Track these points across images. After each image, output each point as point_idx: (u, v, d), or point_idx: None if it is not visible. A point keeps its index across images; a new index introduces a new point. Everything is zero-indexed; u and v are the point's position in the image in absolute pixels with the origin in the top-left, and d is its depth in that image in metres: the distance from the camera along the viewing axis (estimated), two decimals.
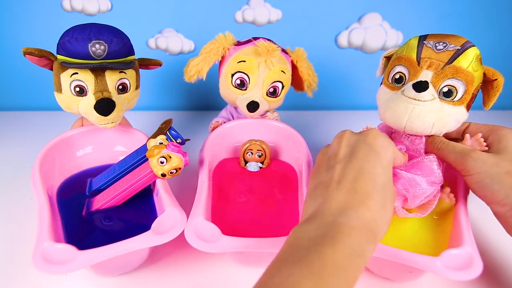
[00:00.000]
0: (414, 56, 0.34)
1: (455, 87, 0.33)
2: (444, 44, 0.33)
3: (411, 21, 0.69)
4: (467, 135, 0.35)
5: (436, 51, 0.33)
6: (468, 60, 0.32)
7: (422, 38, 0.35)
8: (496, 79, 0.33)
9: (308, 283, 0.18)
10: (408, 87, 0.33)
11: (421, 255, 0.28)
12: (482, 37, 0.71)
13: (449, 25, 0.70)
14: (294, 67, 0.48)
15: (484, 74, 0.33)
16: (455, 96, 0.33)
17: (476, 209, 0.33)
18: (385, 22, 0.69)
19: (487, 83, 0.34)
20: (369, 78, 0.73)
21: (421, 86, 0.32)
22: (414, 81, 0.33)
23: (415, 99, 0.33)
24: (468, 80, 0.32)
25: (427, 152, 0.35)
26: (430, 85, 0.33)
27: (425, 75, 0.33)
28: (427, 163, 0.33)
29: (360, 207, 0.23)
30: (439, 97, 0.33)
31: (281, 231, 0.33)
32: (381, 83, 0.38)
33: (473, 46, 0.33)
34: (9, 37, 0.67)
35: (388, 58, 0.39)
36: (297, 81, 0.50)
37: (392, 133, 0.37)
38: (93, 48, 0.37)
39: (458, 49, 0.32)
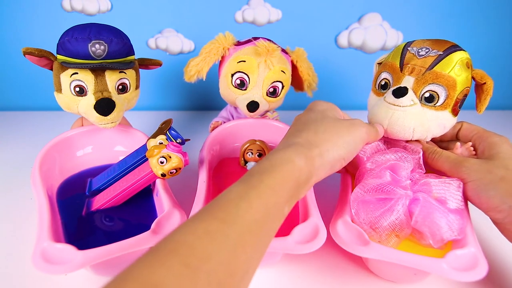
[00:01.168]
0: (397, 62, 0.35)
1: (436, 92, 0.33)
2: (427, 50, 0.34)
3: (411, 21, 0.69)
4: (458, 144, 0.35)
5: (418, 57, 0.34)
6: (450, 65, 0.32)
7: (408, 45, 0.35)
8: (485, 83, 0.33)
9: (239, 188, 0.23)
10: (389, 93, 0.34)
11: (427, 257, 0.28)
12: (482, 37, 0.71)
13: (449, 25, 0.70)
14: (294, 67, 0.48)
15: (473, 78, 0.34)
16: (437, 101, 0.33)
17: (475, 210, 0.32)
18: (385, 22, 0.69)
19: (477, 87, 0.35)
20: (369, 78, 0.73)
21: (399, 92, 0.33)
22: (395, 87, 0.34)
23: (394, 105, 0.33)
24: (449, 85, 0.32)
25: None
26: (410, 91, 0.33)
27: (407, 81, 0.34)
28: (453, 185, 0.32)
29: (292, 137, 0.29)
30: (420, 102, 0.33)
31: (280, 231, 0.33)
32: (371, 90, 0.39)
33: (459, 50, 0.33)
34: (9, 37, 0.67)
35: (380, 64, 0.39)
36: (297, 81, 0.50)
37: (385, 142, 0.37)
38: (93, 48, 0.37)
39: (440, 54, 0.33)
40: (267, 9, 0.67)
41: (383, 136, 0.36)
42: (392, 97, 0.34)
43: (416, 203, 0.30)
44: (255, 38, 0.45)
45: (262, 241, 0.22)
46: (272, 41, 0.46)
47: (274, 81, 0.45)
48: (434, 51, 0.33)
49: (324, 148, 0.27)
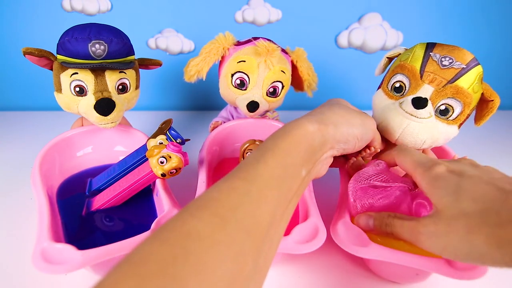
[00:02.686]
0: (418, 67, 0.33)
1: (452, 107, 0.33)
2: (450, 60, 0.32)
3: (411, 21, 0.69)
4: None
5: (441, 67, 0.32)
6: (471, 81, 0.32)
7: (429, 49, 0.34)
8: (492, 100, 0.33)
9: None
10: (407, 102, 0.33)
11: (427, 257, 0.28)
12: (483, 37, 0.71)
13: (449, 25, 0.70)
14: (294, 67, 0.48)
15: (482, 93, 0.33)
16: (451, 115, 0.33)
17: None
18: (385, 22, 0.69)
19: (482, 102, 0.34)
20: (369, 78, 0.73)
21: (420, 103, 0.32)
22: (414, 96, 0.33)
23: (412, 115, 0.33)
24: (466, 102, 0.32)
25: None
26: (429, 102, 0.33)
27: (426, 90, 0.33)
28: None
29: (306, 115, 0.30)
30: (435, 114, 0.33)
31: None
32: (379, 87, 0.38)
33: (478, 64, 0.33)
34: (9, 37, 0.67)
35: (390, 59, 0.38)
36: (297, 81, 0.50)
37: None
38: (93, 48, 0.37)
39: (463, 68, 0.32)
40: (267, 9, 0.67)
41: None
42: (411, 106, 0.32)
43: (424, 206, 0.30)
44: (255, 38, 0.45)
45: (283, 197, 0.23)
46: (272, 41, 0.46)
47: (274, 81, 0.45)
48: (458, 63, 0.32)
49: (338, 122, 0.29)
